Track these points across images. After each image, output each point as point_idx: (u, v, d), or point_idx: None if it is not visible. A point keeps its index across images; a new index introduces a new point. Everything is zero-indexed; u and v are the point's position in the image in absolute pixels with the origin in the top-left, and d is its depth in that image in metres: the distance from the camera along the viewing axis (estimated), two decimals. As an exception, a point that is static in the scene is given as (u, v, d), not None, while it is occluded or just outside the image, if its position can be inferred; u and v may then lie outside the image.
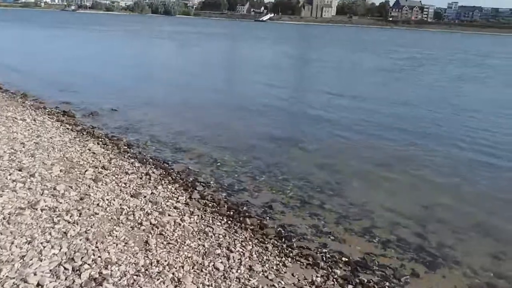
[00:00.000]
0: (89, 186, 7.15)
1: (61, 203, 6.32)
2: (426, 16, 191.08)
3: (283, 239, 6.28)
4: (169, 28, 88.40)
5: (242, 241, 5.99)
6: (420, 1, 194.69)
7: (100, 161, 8.72)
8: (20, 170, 7.31)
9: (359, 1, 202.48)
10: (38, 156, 8.26)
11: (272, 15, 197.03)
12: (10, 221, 5.51)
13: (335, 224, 7.00)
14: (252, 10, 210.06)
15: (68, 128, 11.20)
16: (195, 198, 7.40)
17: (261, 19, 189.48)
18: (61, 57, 29.62)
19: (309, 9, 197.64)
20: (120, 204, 6.63)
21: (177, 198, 7.26)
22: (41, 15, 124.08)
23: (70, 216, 5.91)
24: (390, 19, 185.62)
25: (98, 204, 6.49)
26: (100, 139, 10.60)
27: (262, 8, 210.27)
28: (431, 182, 9.12)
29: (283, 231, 6.56)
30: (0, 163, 7.51)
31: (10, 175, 7.05)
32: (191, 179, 8.46)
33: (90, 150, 9.37)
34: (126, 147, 10.21)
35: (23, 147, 8.73)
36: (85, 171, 7.88)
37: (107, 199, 6.72)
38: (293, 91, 20.29)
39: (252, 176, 8.90)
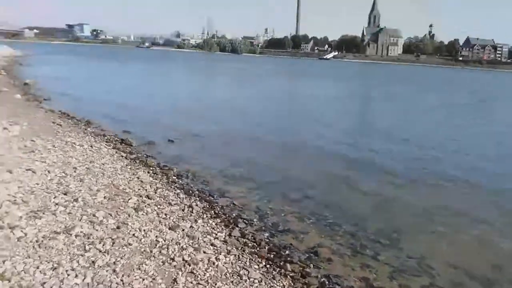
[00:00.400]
0: (129, 215, 6.97)
1: (97, 230, 6.15)
2: (499, 55, 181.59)
3: (327, 292, 5.59)
4: (233, 65, 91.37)
5: (279, 290, 5.39)
6: (493, 40, 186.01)
7: (146, 189, 8.60)
8: (65, 194, 7.34)
9: (426, 40, 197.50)
10: (86, 182, 8.32)
11: (336, 53, 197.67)
12: (42, 244, 5.39)
13: (388, 279, 6.16)
14: (316, 48, 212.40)
15: (122, 156, 11.36)
16: (235, 236, 6.94)
17: (325, 57, 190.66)
18: (128, 89, 31.25)
19: (374, 47, 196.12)
20: (156, 236, 6.33)
21: (216, 234, 6.85)
22: (118, 51, 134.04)
23: (103, 245, 5.70)
24: (460, 58, 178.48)
25: (133, 235, 6.24)
26: (151, 168, 10.59)
27: (326, 46, 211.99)
28: (503, 241, 7.89)
29: (327, 283, 5.85)
30: (48, 186, 7.62)
31: (54, 198, 7.08)
32: (234, 214, 8.03)
33: (138, 178, 9.34)
34: (175, 177, 10.08)
35: (75, 171, 8.87)
36: (129, 199, 7.76)
37: (144, 230, 6.47)
38: (351, 131, 19.24)
39: (300, 217, 8.29)
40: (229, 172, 10.97)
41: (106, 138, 13.49)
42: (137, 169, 10.20)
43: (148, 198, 8.00)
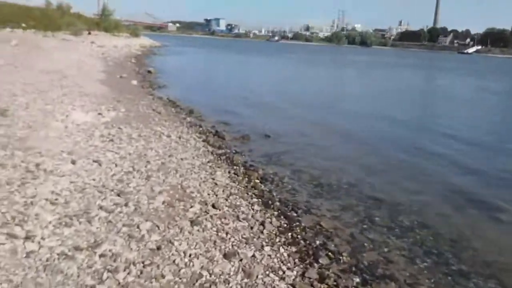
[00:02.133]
0: (180, 230, 5.56)
1: (131, 249, 4.84)
2: None
3: None
4: (359, 57, 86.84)
5: None
6: None
7: (216, 195, 7.16)
8: (118, 195, 6.25)
9: None
10: (152, 180, 7.19)
11: (479, 47, 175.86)
12: (49, 266, 4.23)
13: None
14: (455, 41, 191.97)
15: (208, 151, 10.19)
16: (310, 278, 5.03)
17: (465, 51, 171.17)
18: (247, 80, 30.80)
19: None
20: (202, 267, 4.78)
21: (284, 273, 5.03)
22: (248, 45, 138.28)
23: (127, 274, 4.34)
24: None
25: (173, 261, 4.79)
26: (234, 167, 9.18)
27: (468, 39, 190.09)
28: None
29: None
30: (105, 183, 6.63)
31: (103, 199, 6.00)
32: (317, 242, 6.09)
33: (213, 179, 7.96)
34: (257, 181, 8.49)
35: (145, 166, 7.85)
36: (190, 207, 6.38)
37: (190, 255, 4.98)
38: (495, 142, 15.09)
39: (410, 257, 5.99)
40: (326, 181, 8.95)
41: (200, 129, 12.54)
42: (218, 167, 8.87)
43: (214, 208, 6.52)
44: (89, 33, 47.92)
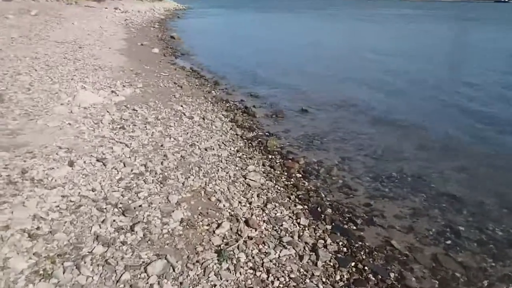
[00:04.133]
0: (204, 271, 4.02)
1: (133, 314, 3.35)
2: None
3: None
4: (385, 11, 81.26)
5: None
6: None
7: (250, 204, 5.56)
8: (123, 214, 4.74)
9: None
10: (169, 184, 5.66)
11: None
12: None
13: None
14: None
15: (237, 134, 8.56)
16: None
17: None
18: (277, 41, 28.40)
19: None
20: None
21: None
22: (278, 3, 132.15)
23: None
24: None
25: (194, 332, 3.28)
26: (269, 157, 7.54)
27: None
28: None
29: None
30: (107, 194, 5.11)
31: (102, 222, 4.51)
32: (392, 276, 4.39)
33: (245, 178, 6.36)
34: (299, 176, 6.84)
35: (161, 163, 6.31)
36: (218, 226, 4.83)
37: (217, 318, 3.46)
38: None
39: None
40: (384, 171, 7.16)
41: (227, 105, 10.87)
42: (250, 158, 7.24)
43: (247, 226, 4.94)
44: (113, -1, 46.11)
